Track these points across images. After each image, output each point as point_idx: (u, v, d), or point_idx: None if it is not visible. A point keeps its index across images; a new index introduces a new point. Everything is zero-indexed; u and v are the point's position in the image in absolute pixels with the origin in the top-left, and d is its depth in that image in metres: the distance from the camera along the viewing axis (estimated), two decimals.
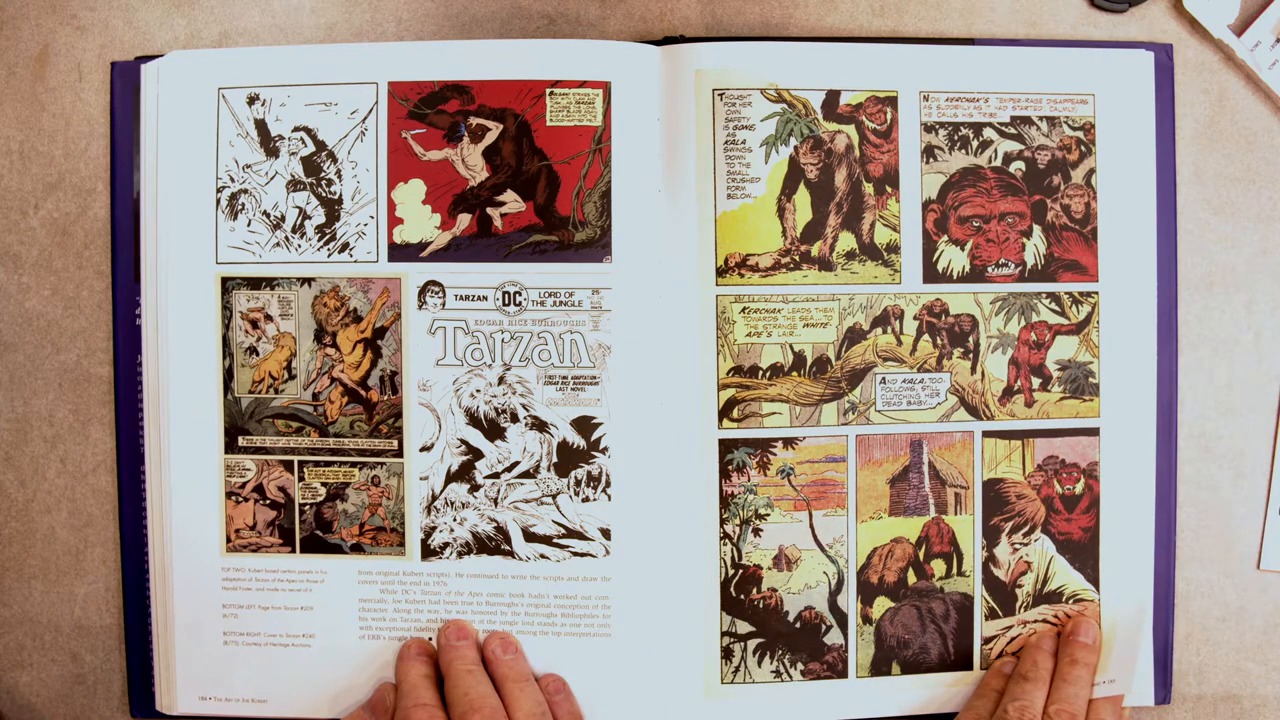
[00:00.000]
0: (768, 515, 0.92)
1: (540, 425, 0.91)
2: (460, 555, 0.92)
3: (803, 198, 0.91)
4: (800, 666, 0.93)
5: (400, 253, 0.91)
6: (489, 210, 0.90)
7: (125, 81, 0.94)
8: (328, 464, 0.92)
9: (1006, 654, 0.94)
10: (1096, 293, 0.92)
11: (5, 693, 0.96)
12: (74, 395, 0.95)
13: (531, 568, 0.92)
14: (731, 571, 0.92)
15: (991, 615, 0.94)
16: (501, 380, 0.91)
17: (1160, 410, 0.93)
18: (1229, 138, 0.95)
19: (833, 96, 0.92)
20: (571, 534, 0.91)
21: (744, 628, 0.92)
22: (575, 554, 0.91)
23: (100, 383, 0.95)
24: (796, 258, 0.91)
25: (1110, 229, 0.92)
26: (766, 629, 0.93)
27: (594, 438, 0.91)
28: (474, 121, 0.90)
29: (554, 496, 0.91)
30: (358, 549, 0.93)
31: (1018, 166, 0.92)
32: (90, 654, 0.96)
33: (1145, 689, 0.94)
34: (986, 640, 0.94)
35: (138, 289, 0.93)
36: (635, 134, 0.90)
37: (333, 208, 0.91)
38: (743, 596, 0.92)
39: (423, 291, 0.91)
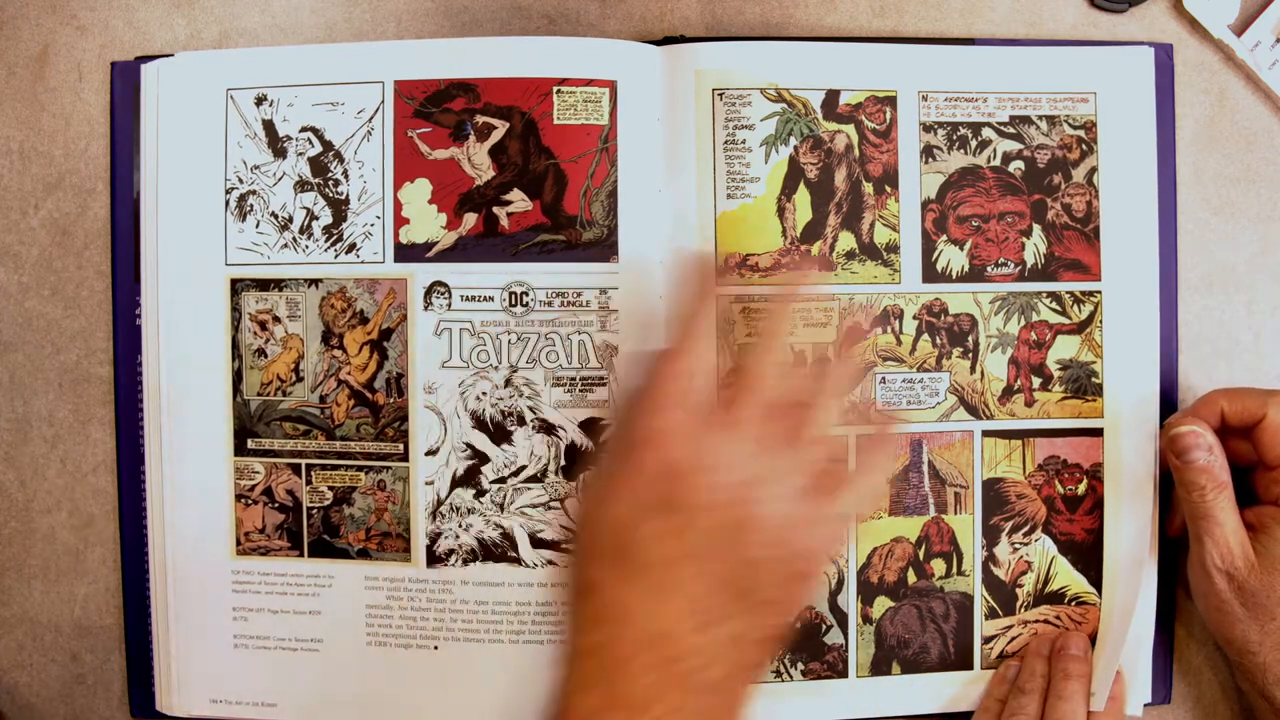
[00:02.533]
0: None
1: (548, 428, 0.91)
2: (466, 563, 0.92)
3: (802, 197, 0.91)
4: (800, 666, 0.93)
5: (406, 253, 0.90)
6: (495, 209, 0.90)
7: (125, 81, 0.93)
8: (334, 467, 0.92)
9: (1008, 653, 0.94)
10: (1099, 292, 0.92)
11: (5, 693, 0.96)
12: (74, 395, 0.95)
13: (539, 574, 0.91)
14: None
15: (992, 615, 0.94)
16: (508, 382, 0.90)
17: (1163, 411, 0.93)
18: (1229, 138, 0.95)
19: (832, 96, 0.92)
20: None
21: None
22: None
23: (100, 383, 0.95)
24: (796, 258, 0.91)
25: (1113, 228, 0.92)
26: None
27: (602, 439, 0.91)
28: (480, 120, 0.90)
29: (562, 500, 0.91)
30: (364, 554, 0.92)
31: (1017, 166, 0.92)
32: (90, 654, 0.96)
33: (1145, 689, 0.94)
34: (987, 640, 0.94)
35: (138, 289, 0.93)
36: (639, 133, 0.90)
37: (340, 208, 0.91)
38: None
39: (429, 292, 0.90)
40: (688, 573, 0.70)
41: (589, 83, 0.90)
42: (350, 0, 0.94)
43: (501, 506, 0.91)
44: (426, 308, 0.91)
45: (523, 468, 0.91)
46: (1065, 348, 0.93)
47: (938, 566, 0.93)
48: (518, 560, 0.91)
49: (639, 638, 0.69)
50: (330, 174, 0.91)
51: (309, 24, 0.94)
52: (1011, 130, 0.92)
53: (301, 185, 0.91)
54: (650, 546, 0.70)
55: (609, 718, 0.68)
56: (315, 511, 0.92)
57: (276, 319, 0.91)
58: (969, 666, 0.94)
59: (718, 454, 0.71)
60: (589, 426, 0.91)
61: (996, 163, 0.92)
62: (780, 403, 0.74)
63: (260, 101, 0.91)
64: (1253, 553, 0.84)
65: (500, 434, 0.91)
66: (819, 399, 0.76)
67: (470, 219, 0.90)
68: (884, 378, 0.92)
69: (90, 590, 0.96)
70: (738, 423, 0.72)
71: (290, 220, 0.91)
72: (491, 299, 0.90)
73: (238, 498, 0.93)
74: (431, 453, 0.91)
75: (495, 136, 0.90)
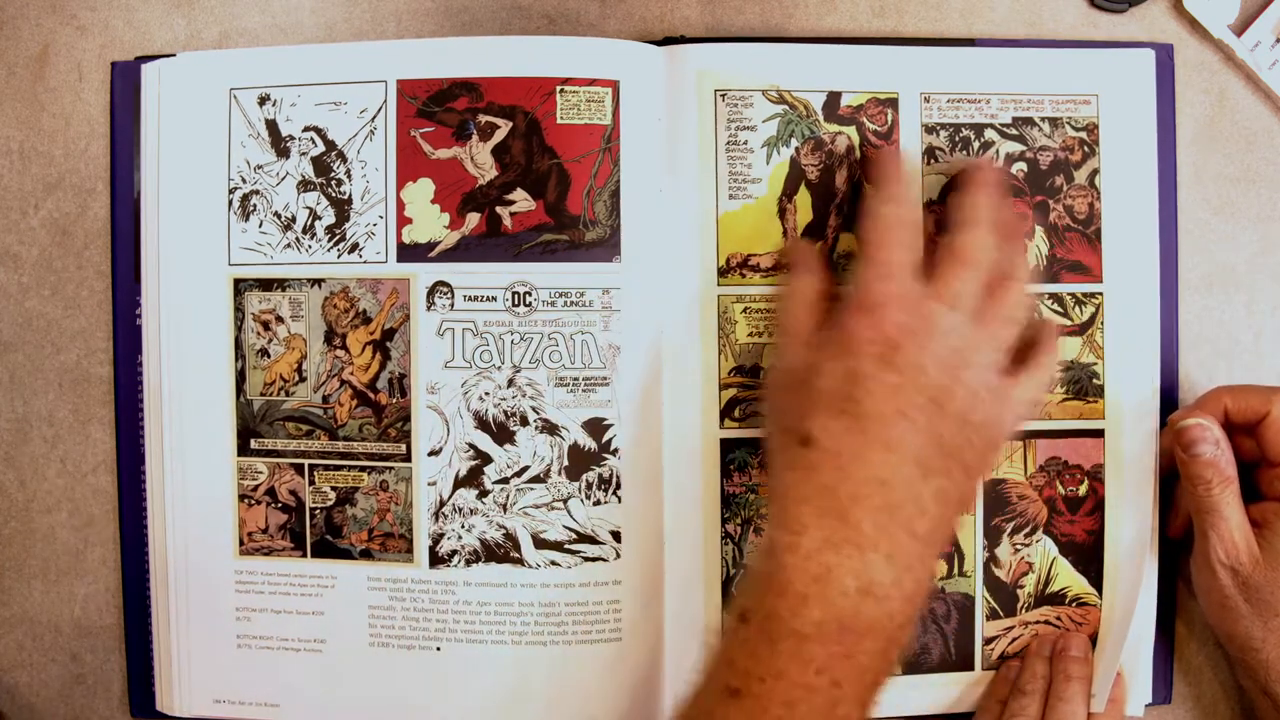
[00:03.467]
0: (769, 515, 0.92)
1: (551, 428, 0.90)
2: (468, 563, 0.92)
3: (803, 198, 0.91)
4: None
5: (409, 253, 0.90)
6: (498, 209, 0.89)
7: (125, 81, 0.93)
8: (337, 468, 0.92)
9: (1008, 654, 0.94)
10: (1100, 294, 0.92)
11: (5, 693, 0.96)
12: (74, 395, 0.95)
13: (542, 575, 0.91)
14: (733, 571, 0.92)
15: (993, 616, 0.94)
16: (511, 383, 0.90)
17: (1163, 411, 0.93)
18: (1229, 138, 0.95)
19: (833, 98, 0.91)
20: (583, 539, 0.91)
21: None
22: (587, 559, 0.91)
23: (100, 383, 0.95)
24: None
25: (1115, 229, 0.92)
26: None
27: (605, 439, 0.90)
28: (483, 119, 0.89)
29: (565, 501, 0.91)
30: (366, 555, 0.92)
31: (1019, 168, 0.92)
32: (90, 654, 0.96)
33: (1146, 689, 0.94)
34: (988, 641, 0.94)
35: (138, 289, 0.93)
36: (642, 133, 0.90)
37: (342, 208, 0.91)
38: None
39: (431, 292, 0.90)
40: (905, 428, 0.76)
41: (592, 82, 0.89)
42: (350, 0, 0.94)
43: (504, 507, 0.91)
44: (429, 308, 0.90)
45: (526, 468, 0.91)
46: (1067, 349, 0.92)
47: (939, 567, 0.93)
48: (520, 561, 0.91)
49: (866, 482, 0.75)
50: (333, 174, 0.91)
51: (309, 24, 0.94)
52: (1014, 132, 0.92)
53: (304, 185, 0.91)
54: (875, 400, 0.76)
55: (836, 553, 0.74)
56: (318, 512, 0.92)
57: (279, 319, 0.91)
58: (970, 667, 0.94)
59: (936, 322, 0.79)
60: (592, 426, 0.91)
61: (999, 164, 0.92)
62: (987, 277, 0.81)
63: (264, 101, 0.91)
64: (1257, 548, 0.85)
65: (503, 434, 0.91)
66: (1019, 276, 0.83)
67: (473, 219, 0.90)
68: None
69: (90, 590, 0.96)
70: (952, 294, 0.79)
71: (293, 220, 0.91)
72: (494, 299, 0.90)
73: (241, 498, 0.93)
74: (434, 453, 0.91)
75: (498, 136, 0.89)
